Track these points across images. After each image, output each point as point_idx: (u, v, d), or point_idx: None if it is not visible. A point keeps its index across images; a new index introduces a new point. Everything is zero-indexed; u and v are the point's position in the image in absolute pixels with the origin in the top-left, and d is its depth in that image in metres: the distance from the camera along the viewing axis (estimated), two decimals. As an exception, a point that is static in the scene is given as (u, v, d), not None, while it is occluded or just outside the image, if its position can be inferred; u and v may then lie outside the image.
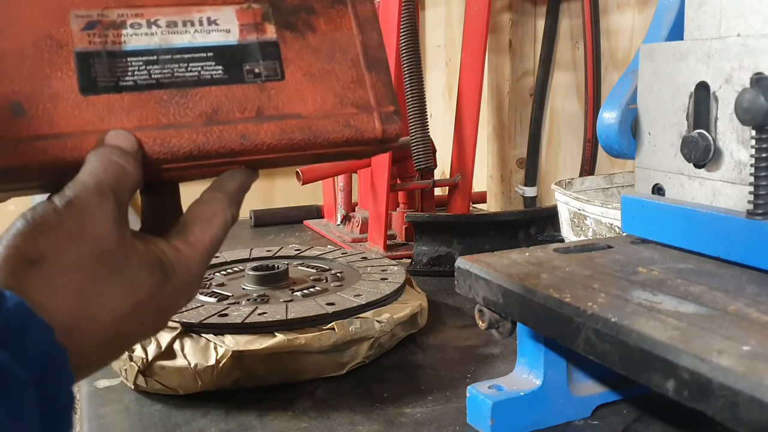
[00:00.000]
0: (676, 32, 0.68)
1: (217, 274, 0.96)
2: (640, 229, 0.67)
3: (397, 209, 1.40)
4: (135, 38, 0.44)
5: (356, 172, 1.46)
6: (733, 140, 0.59)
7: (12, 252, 0.36)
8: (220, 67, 0.45)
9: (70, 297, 0.36)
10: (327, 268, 0.97)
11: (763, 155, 0.54)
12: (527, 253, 0.65)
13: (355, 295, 0.82)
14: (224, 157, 0.45)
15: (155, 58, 0.44)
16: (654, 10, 0.72)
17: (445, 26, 1.90)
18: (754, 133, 0.55)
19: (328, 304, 0.79)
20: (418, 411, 0.67)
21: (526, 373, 0.63)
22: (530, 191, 1.58)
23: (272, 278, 0.88)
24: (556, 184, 1.00)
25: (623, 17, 1.32)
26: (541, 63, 1.52)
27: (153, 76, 0.44)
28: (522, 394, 0.62)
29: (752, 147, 0.55)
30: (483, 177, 1.67)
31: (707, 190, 0.62)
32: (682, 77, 0.63)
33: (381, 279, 0.89)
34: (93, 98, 0.42)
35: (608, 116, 0.70)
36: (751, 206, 0.56)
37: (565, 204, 0.93)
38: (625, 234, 0.70)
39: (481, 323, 0.62)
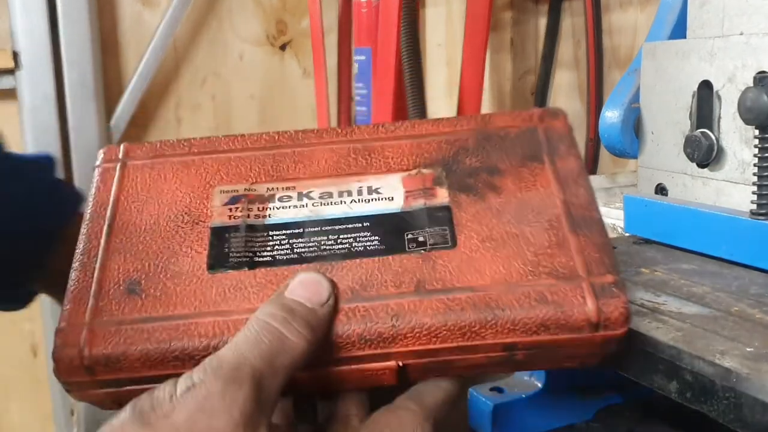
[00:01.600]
0: (679, 31, 0.68)
1: None
2: (643, 229, 0.67)
3: (398, 209, 1.39)
4: (281, 211, 0.39)
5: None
6: (737, 139, 0.59)
7: None
8: (377, 238, 0.38)
9: None
10: None
11: (766, 155, 0.54)
12: (528, 254, 0.65)
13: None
14: (371, 346, 0.35)
15: (300, 230, 0.39)
16: (656, 8, 0.71)
17: (446, 24, 1.89)
18: (757, 132, 0.54)
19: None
20: (418, 412, 0.67)
21: (528, 375, 0.63)
22: (531, 191, 1.57)
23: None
24: (557, 183, 0.99)
25: (625, 15, 1.31)
26: (542, 62, 1.52)
27: (295, 250, 0.38)
28: (523, 396, 0.61)
29: (755, 146, 0.55)
30: (484, 176, 1.66)
31: (710, 190, 0.62)
32: (684, 76, 0.63)
33: None
34: (221, 276, 0.37)
35: (610, 115, 0.69)
36: (754, 206, 0.55)
37: (566, 203, 0.93)
38: (627, 234, 0.70)
39: (482, 324, 0.62)
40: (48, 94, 1.72)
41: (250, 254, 0.37)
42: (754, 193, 0.55)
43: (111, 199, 0.40)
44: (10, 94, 1.73)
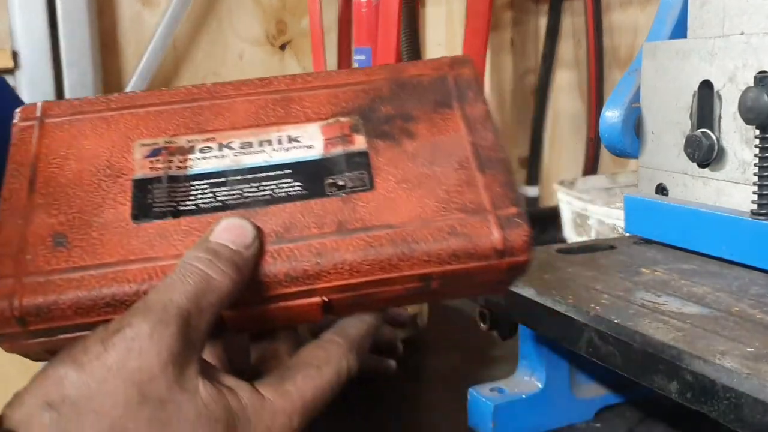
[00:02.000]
0: (679, 30, 0.68)
1: None
2: (644, 229, 0.67)
3: (398, 209, 1.39)
4: (203, 162, 0.40)
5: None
6: (737, 139, 0.58)
7: (33, 389, 0.30)
8: (298, 184, 0.40)
9: None
10: None
11: (767, 155, 0.54)
12: (529, 254, 0.65)
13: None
14: (297, 284, 0.37)
15: (223, 180, 0.40)
16: (657, 8, 0.71)
17: (446, 24, 1.89)
18: (758, 132, 0.54)
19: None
20: (418, 413, 0.67)
21: (528, 376, 0.63)
22: (532, 191, 1.57)
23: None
24: (558, 183, 0.99)
25: (626, 15, 1.31)
26: (543, 61, 1.52)
27: (218, 198, 0.39)
28: (524, 396, 0.61)
29: (756, 146, 0.55)
30: (484, 176, 1.66)
31: (711, 190, 0.61)
32: (685, 76, 0.63)
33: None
34: (146, 225, 0.38)
35: (611, 115, 0.69)
36: (755, 206, 0.55)
37: (567, 204, 0.93)
38: (628, 234, 0.70)
39: (482, 324, 0.62)
40: (47, 94, 1.71)
41: (174, 204, 0.39)
42: (754, 193, 0.55)
43: (31, 156, 0.40)
44: (10, 93, 1.74)
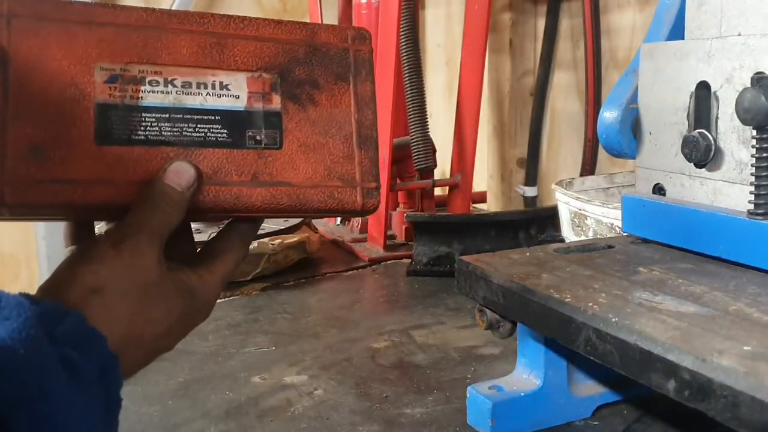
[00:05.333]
0: (677, 32, 0.68)
1: None
2: (641, 229, 0.67)
3: (397, 209, 1.40)
4: (152, 95, 0.47)
5: (356, 172, 1.46)
6: (734, 140, 0.59)
7: (77, 281, 0.42)
8: (225, 131, 0.48)
9: (122, 321, 0.43)
10: None
11: (764, 155, 0.54)
12: (528, 253, 0.65)
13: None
14: (218, 213, 0.49)
15: (167, 116, 0.47)
16: (654, 10, 0.72)
17: (446, 25, 1.90)
18: (754, 132, 0.54)
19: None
20: (418, 411, 0.67)
21: (527, 374, 0.63)
22: (530, 191, 1.58)
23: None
24: (556, 184, 1.00)
25: (624, 16, 1.31)
26: (541, 62, 1.52)
27: (163, 133, 0.47)
28: (522, 394, 0.61)
29: (753, 147, 0.55)
30: (483, 177, 1.67)
31: (708, 190, 0.62)
32: (682, 77, 0.63)
33: (284, 221, 1.25)
34: (106, 149, 0.45)
35: (609, 116, 0.70)
36: (751, 206, 0.55)
37: (565, 204, 0.93)
38: (625, 234, 0.70)
39: (481, 323, 0.62)
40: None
41: (128, 132, 0.46)
42: (751, 192, 0.55)
43: (2, 59, 0.44)
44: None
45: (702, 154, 0.60)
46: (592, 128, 1.36)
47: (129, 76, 0.47)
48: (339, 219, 1.48)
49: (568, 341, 0.51)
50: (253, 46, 0.50)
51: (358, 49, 0.53)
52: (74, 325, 0.39)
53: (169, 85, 0.48)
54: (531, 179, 1.58)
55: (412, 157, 1.32)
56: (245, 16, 0.51)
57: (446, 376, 0.75)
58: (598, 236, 0.85)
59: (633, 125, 0.69)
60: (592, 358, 0.49)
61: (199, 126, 0.48)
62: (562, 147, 1.51)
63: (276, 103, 0.50)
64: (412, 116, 1.31)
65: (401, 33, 1.27)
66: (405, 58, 1.30)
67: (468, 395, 0.63)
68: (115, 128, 0.46)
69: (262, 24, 0.51)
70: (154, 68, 0.48)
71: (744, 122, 0.54)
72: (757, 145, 0.54)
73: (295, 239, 1.20)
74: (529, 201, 1.58)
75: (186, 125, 0.48)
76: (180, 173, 0.46)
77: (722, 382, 0.39)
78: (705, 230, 0.60)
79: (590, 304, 0.50)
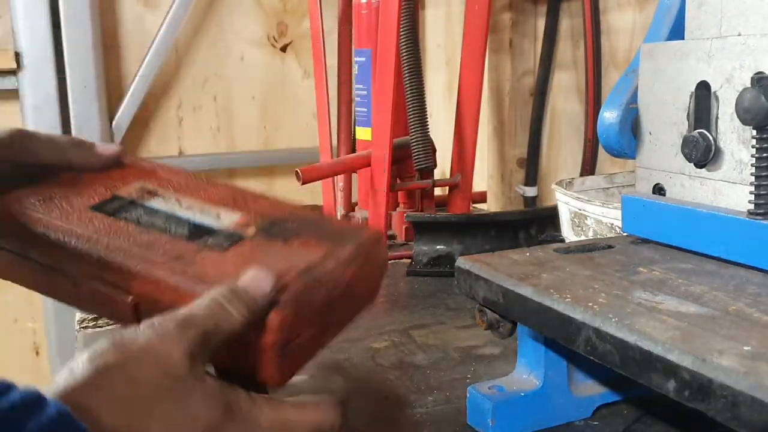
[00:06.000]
0: (677, 32, 0.68)
1: None
2: (641, 229, 0.67)
3: (397, 209, 1.40)
4: (155, 202, 0.54)
5: (356, 172, 1.46)
6: (734, 140, 0.59)
7: (91, 362, 0.38)
8: (187, 231, 0.51)
9: (124, 407, 0.38)
10: None
11: (764, 155, 0.54)
12: (527, 253, 0.65)
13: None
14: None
15: (156, 213, 0.53)
16: (654, 10, 0.72)
17: (445, 25, 1.90)
18: (754, 132, 0.55)
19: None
20: (418, 411, 0.67)
21: (527, 374, 0.63)
22: (530, 191, 1.58)
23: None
24: (556, 183, 1.00)
25: (624, 16, 1.31)
26: (541, 62, 1.52)
27: (140, 221, 0.52)
28: (522, 394, 0.61)
29: (753, 147, 0.55)
30: (483, 177, 1.67)
31: (708, 190, 0.62)
32: (682, 77, 0.63)
33: None
34: (91, 214, 0.53)
35: (609, 116, 0.70)
36: (752, 206, 0.56)
37: (565, 204, 0.93)
38: (625, 234, 0.70)
39: (481, 323, 0.62)
40: (50, 95, 1.72)
41: (116, 211, 0.53)
42: (751, 192, 0.55)
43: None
44: (12, 94, 1.73)
45: (702, 154, 0.60)
46: (592, 128, 1.36)
47: (150, 191, 0.56)
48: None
49: (568, 341, 0.51)
50: (268, 204, 0.55)
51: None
52: (53, 419, 0.34)
53: (175, 202, 0.54)
54: (531, 179, 1.58)
55: (412, 157, 1.32)
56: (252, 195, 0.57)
57: (446, 376, 0.75)
58: (598, 236, 0.85)
59: (633, 125, 0.69)
60: (592, 358, 0.49)
61: (169, 223, 0.52)
62: (562, 147, 1.51)
63: (250, 232, 0.51)
64: (412, 116, 1.31)
65: (401, 33, 1.27)
66: (405, 58, 1.30)
67: (468, 395, 0.63)
68: (109, 207, 0.53)
69: (282, 204, 0.55)
70: (175, 195, 0.55)
71: (744, 122, 0.54)
72: (757, 145, 0.54)
73: None
74: (529, 201, 1.58)
75: (162, 221, 0.52)
76: (254, 279, 0.43)
77: (722, 382, 0.39)
78: (705, 230, 0.60)
79: (590, 304, 0.51)
